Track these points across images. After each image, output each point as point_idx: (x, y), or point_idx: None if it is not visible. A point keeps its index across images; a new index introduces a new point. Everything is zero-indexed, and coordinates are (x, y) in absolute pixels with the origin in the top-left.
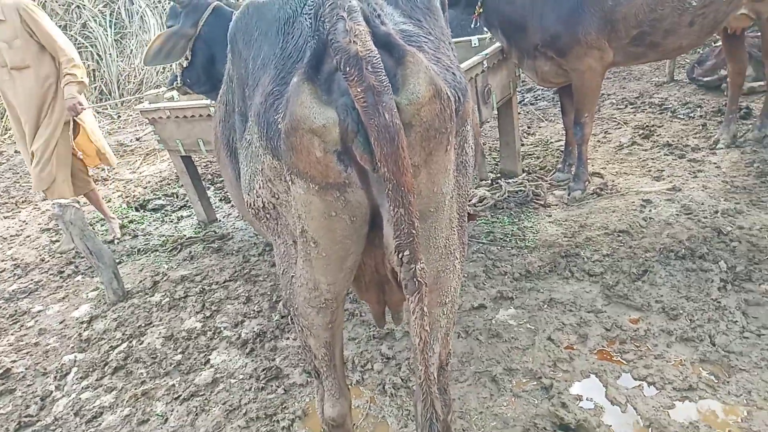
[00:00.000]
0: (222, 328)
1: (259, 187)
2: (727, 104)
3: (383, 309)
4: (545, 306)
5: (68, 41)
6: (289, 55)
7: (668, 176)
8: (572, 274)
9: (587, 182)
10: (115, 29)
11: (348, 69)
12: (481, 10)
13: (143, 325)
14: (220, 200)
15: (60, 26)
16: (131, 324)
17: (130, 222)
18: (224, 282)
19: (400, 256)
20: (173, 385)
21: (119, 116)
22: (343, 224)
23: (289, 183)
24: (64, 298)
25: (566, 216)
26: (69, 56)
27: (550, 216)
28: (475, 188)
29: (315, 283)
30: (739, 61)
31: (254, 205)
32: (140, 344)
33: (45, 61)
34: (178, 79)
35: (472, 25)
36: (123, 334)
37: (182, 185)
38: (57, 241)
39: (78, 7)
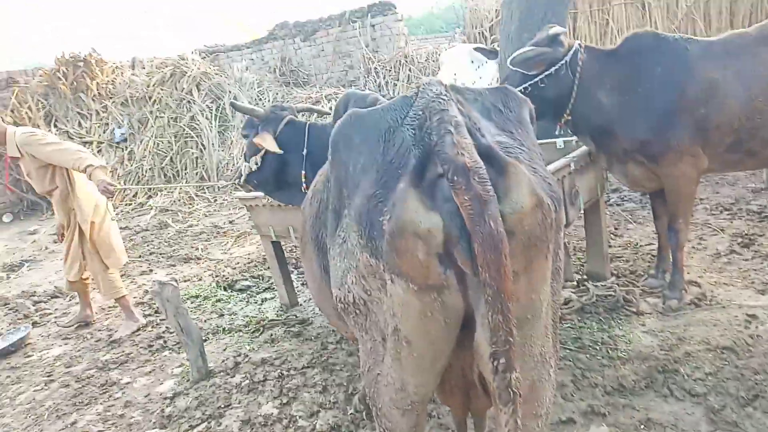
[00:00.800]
0: (298, 417)
1: (352, 283)
2: None
3: (466, 415)
4: (642, 427)
5: (69, 146)
6: (391, 161)
7: None
8: (671, 392)
9: (684, 291)
10: (219, 122)
11: (456, 179)
12: (569, 117)
13: (222, 406)
14: (302, 284)
15: (171, 118)
16: (211, 404)
17: (218, 301)
18: (302, 368)
19: (495, 363)
20: None
21: (215, 200)
22: (438, 325)
23: (388, 282)
24: (151, 372)
25: (662, 326)
26: (75, 158)
27: (644, 325)
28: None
29: (403, 383)
30: None
31: (344, 300)
32: (218, 426)
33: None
34: (242, 179)
35: (556, 132)
36: (203, 414)
37: (269, 268)
38: (149, 314)
39: (188, 102)
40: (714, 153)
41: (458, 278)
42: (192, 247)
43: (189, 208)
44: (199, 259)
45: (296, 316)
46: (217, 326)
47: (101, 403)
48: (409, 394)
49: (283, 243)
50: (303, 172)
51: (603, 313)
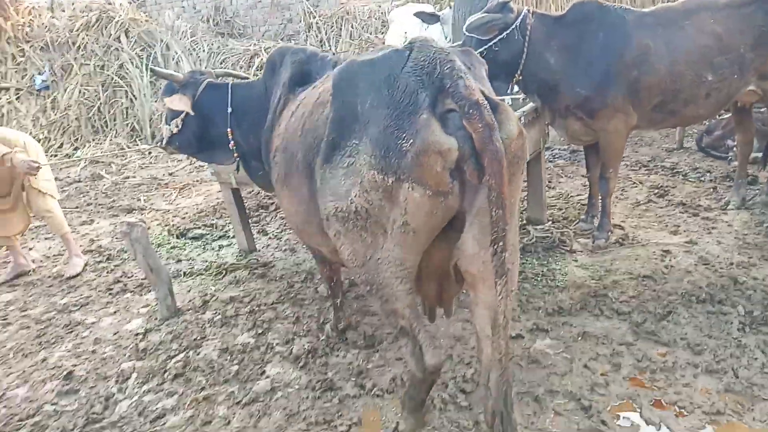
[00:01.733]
0: (274, 344)
1: (355, 195)
2: (737, 170)
3: (437, 303)
4: (579, 338)
5: None
6: (400, 101)
7: (684, 231)
8: (602, 312)
9: (610, 232)
10: (150, 72)
11: (471, 111)
12: (520, 77)
13: (198, 338)
14: (258, 232)
15: (98, 66)
16: (186, 337)
17: (173, 248)
18: (272, 304)
19: (494, 247)
20: (233, 392)
21: (150, 153)
22: (437, 220)
23: (405, 189)
24: (115, 312)
25: (592, 261)
26: None
27: (576, 261)
28: None
29: (402, 260)
30: (747, 132)
31: (345, 209)
32: (197, 355)
33: None
34: (163, 141)
35: (508, 90)
36: (179, 346)
37: (228, 216)
38: (101, 261)
39: (117, 49)
40: (642, 111)
41: (460, 188)
42: (133, 198)
43: (122, 159)
44: (142, 209)
45: (257, 260)
46: (177, 270)
47: (69, 342)
48: (406, 267)
49: (242, 190)
50: (229, 129)
51: (541, 251)
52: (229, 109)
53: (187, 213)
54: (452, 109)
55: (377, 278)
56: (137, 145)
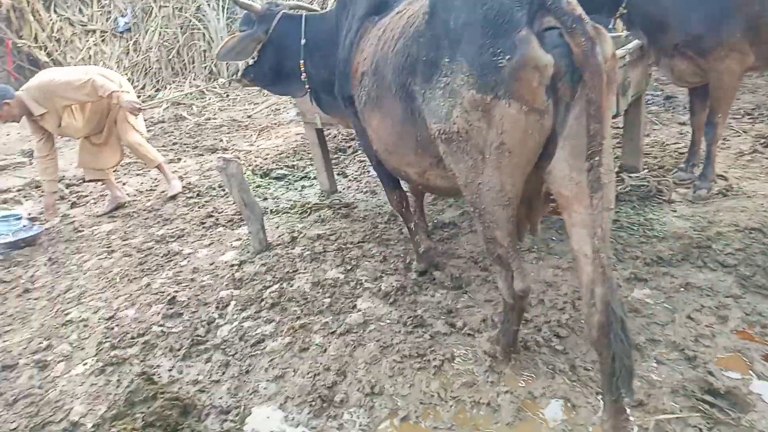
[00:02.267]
0: (363, 281)
1: (456, 116)
2: None
3: (526, 224)
4: (681, 289)
5: (84, 77)
6: (494, 19)
7: None
8: (705, 263)
9: (713, 182)
10: (227, 14)
11: (574, 25)
12: (624, 10)
13: (290, 271)
14: (338, 174)
15: (176, 8)
16: (279, 270)
17: (258, 187)
18: (358, 242)
19: (591, 161)
20: (327, 322)
21: (227, 95)
22: (533, 141)
23: (502, 106)
24: (210, 244)
25: (692, 212)
26: (98, 88)
27: (675, 211)
28: None
29: (502, 185)
30: None
31: (448, 131)
32: (290, 287)
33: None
34: (239, 73)
35: (610, 26)
36: (273, 278)
37: (309, 157)
38: (192, 197)
39: None
40: (760, 50)
41: (554, 106)
42: (215, 139)
43: (201, 101)
44: (225, 149)
45: (340, 201)
46: (264, 208)
47: (169, 270)
48: (507, 193)
49: (326, 131)
50: (302, 61)
51: (636, 201)
52: (303, 41)
53: (268, 154)
54: (550, 27)
55: (479, 202)
56: (215, 87)
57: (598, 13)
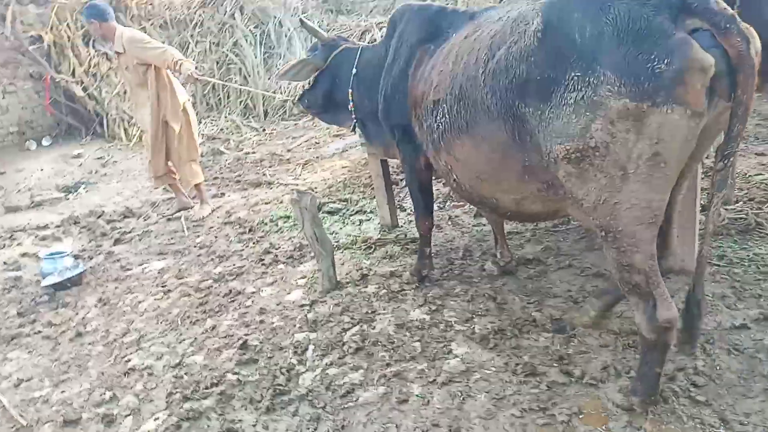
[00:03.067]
0: (452, 322)
1: (596, 130)
2: None
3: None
4: None
5: (164, 48)
6: (630, 28)
7: None
8: None
9: None
10: (264, 49)
11: (729, 26)
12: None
13: (368, 312)
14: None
15: (213, 43)
16: (356, 310)
17: None
18: (437, 281)
19: (726, 162)
20: (422, 370)
21: (263, 129)
22: (690, 147)
23: (663, 112)
24: (273, 282)
25: None
26: (169, 57)
27: None
28: None
29: (648, 201)
30: None
31: (583, 147)
32: (372, 329)
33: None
34: (297, 97)
35: None
36: (351, 319)
37: (363, 190)
38: (243, 232)
39: (231, 27)
40: None
41: (708, 107)
42: (257, 173)
43: (238, 136)
44: (270, 184)
45: (405, 235)
46: None
47: (233, 311)
48: (653, 209)
49: (390, 163)
50: (350, 90)
51: (736, 234)
52: (354, 71)
53: (316, 187)
54: (697, 28)
55: (615, 224)
56: (251, 122)
57: None
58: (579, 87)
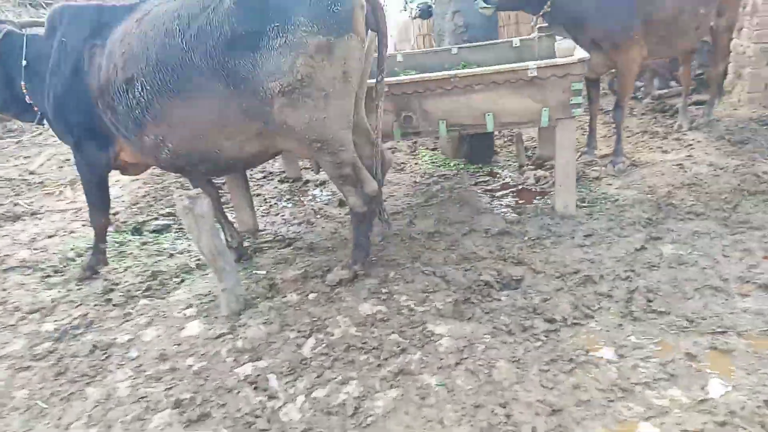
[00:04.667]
0: (412, 306)
1: (302, 65)
2: (683, 97)
3: None
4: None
5: None
6: None
7: (672, 150)
8: (682, 216)
9: (625, 157)
10: None
11: None
12: (548, 9)
13: (312, 320)
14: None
15: None
16: (296, 322)
17: (144, 244)
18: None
19: (381, 75)
20: (421, 359)
21: None
22: (362, 65)
23: (347, 41)
24: (149, 323)
25: (627, 182)
26: None
27: (612, 185)
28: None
29: (345, 111)
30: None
31: (293, 81)
32: (331, 336)
33: None
34: None
35: (532, 23)
36: (298, 332)
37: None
38: (50, 275)
39: None
40: (650, 43)
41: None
42: (6, 204)
43: None
44: (35, 213)
45: (280, 235)
46: (185, 264)
47: (119, 368)
48: (348, 116)
49: None
50: (22, 83)
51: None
52: (24, 61)
53: (114, 207)
54: None
55: (325, 135)
56: None
57: (523, 9)
58: (281, 34)
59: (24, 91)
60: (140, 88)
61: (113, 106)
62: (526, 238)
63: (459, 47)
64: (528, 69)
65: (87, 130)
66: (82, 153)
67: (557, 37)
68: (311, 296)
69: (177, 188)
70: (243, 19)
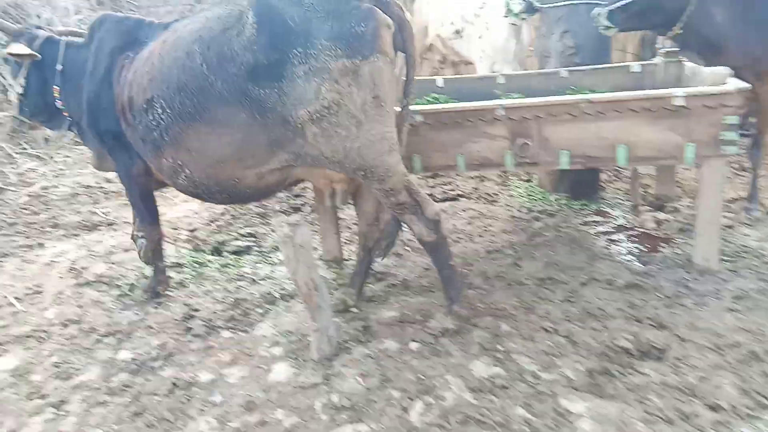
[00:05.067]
0: (536, 371)
1: (327, 90)
2: None
3: None
4: None
5: None
6: None
7: None
8: None
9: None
10: None
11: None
12: (680, 30)
13: (418, 378)
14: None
15: None
16: (398, 378)
17: (225, 266)
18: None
19: (407, 98)
20: None
21: (51, 157)
22: (394, 87)
23: (373, 63)
24: (233, 360)
25: (761, 234)
26: None
27: (749, 235)
28: None
29: (382, 134)
30: None
31: (320, 108)
32: (442, 401)
33: None
34: (17, 109)
35: (659, 45)
36: (403, 392)
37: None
38: (122, 294)
39: None
40: None
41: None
42: (79, 212)
43: (13, 168)
44: (111, 224)
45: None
46: (268, 293)
47: (201, 414)
48: (389, 140)
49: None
50: (55, 86)
51: None
52: (59, 66)
53: (191, 224)
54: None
55: (366, 163)
56: (26, 148)
57: (650, 29)
58: (304, 60)
59: (56, 95)
60: (160, 111)
61: (134, 124)
62: (660, 295)
63: (569, 70)
64: (673, 97)
65: (116, 140)
66: (118, 162)
67: (685, 62)
68: (413, 346)
69: (255, 205)
70: (264, 46)
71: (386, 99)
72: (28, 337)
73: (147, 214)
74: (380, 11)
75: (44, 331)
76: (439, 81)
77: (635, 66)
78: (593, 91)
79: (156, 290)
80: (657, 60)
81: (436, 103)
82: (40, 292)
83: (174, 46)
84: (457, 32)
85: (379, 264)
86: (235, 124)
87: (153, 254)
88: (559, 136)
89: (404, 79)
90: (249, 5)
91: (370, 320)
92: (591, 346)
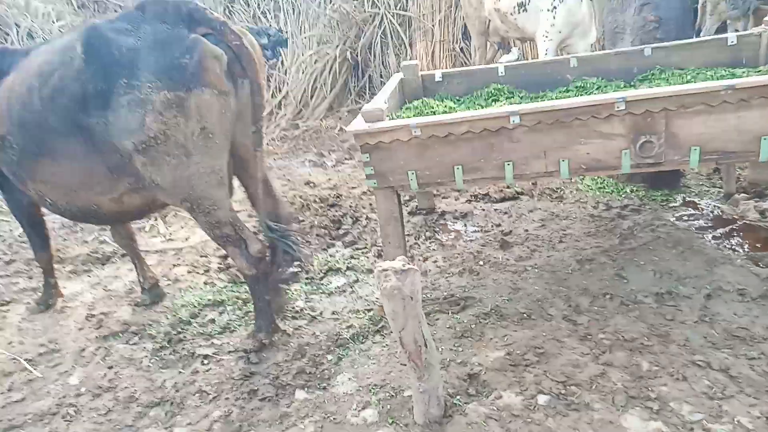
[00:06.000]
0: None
1: (152, 122)
2: None
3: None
4: None
5: None
6: None
7: None
8: None
9: None
10: None
11: (223, 28)
12: None
13: None
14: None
15: None
16: None
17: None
18: (601, 362)
19: (257, 125)
20: None
21: None
22: (228, 120)
23: (198, 95)
24: (325, 417)
25: None
26: None
27: None
28: None
29: (212, 167)
30: None
31: (146, 139)
32: None
33: None
34: None
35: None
36: None
37: (380, 232)
38: (160, 348)
39: None
40: None
41: (236, 87)
42: (85, 242)
43: None
44: (125, 255)
45: (450, 294)
46: (335, 334)
47: None
48: (217, 173)
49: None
50: None
51: None
52: None
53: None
54: (206, 33)
55: (194, 194)
56: None
57: None
58: (128, 90)
59: None
60: (13, 146)
61: (0, 157)
62: None
63: (653, 47)
64: None
65: None
66: (4, 191)
67: None
68: (541, 400)
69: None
70: (91, 76)
71: (215, 131)
72: (52, 414)
73: (36, 239)
74: (207, 42)
75: (71, 405)
76: (500, 69)
77: (732, 38)
78: (685, 71)
79: (48, 302)
80: (759, 30)
81: (501, 97)
82: (57, 350)
83: (21, 80)
84: (521, 4)
85: (454, 286)
86: (74, 154)
87: (46, 272)
88: (691, 130)
89: (251, 105)
90: (79, 35)
91: (473, 364)
92: (754, 380)
